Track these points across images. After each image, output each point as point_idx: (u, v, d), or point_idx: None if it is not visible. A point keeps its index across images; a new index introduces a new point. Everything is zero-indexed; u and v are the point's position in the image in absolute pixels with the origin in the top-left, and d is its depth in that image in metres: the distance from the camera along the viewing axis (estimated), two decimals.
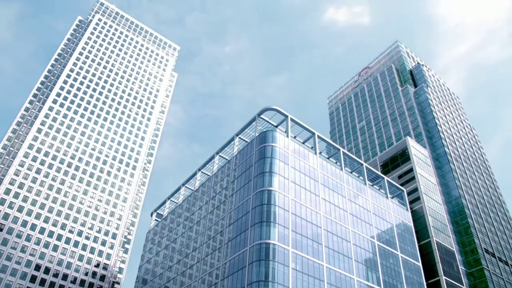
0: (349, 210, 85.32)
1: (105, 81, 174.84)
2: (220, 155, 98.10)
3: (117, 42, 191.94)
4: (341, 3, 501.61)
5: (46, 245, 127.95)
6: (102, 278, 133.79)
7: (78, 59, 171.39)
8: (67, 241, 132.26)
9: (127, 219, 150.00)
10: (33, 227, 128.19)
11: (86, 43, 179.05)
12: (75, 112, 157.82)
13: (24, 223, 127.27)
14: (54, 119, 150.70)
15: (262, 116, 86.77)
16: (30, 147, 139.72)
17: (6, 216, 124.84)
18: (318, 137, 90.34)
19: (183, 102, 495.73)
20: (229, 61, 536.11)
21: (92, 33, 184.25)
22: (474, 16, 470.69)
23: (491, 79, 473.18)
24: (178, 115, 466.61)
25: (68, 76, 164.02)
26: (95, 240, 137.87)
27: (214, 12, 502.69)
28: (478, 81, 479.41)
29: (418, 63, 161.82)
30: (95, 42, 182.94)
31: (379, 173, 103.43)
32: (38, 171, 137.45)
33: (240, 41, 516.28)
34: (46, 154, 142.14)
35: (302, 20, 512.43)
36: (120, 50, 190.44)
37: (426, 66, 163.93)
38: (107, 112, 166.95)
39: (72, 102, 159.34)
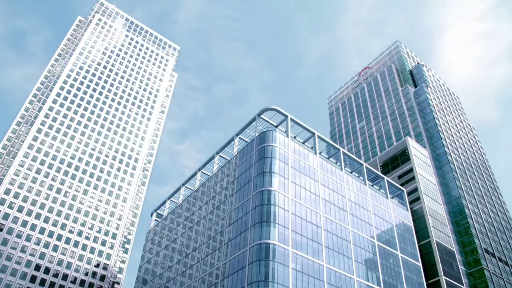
0: (349, 210, 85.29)
1: (105, 81, 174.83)
2: (220, 155, 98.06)
3: (117, 42, 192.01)
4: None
5: (46, 245, 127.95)
6: (102, 278, 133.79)
7: (78, 59, 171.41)
8: (67, 241, 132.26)
9: (127, 219, 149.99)
10: (33, 227, 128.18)
11: (86, 43, 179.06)
12: (75, 112, 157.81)
13: (24, 223, 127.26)
14: (54, 119, 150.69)
15: (262, 116, 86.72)
16: (30, 147, 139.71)
17: (6, 216, 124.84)
18: (318, 137, 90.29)
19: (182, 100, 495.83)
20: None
21: (92, 33, 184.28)
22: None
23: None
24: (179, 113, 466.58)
25: (68, 76, 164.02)
26: (95, 240, 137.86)
27: None
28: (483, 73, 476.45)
29: (418, 63, 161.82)
30: (95, 42, 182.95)
31: (379, 173, 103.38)
32: (38, 171, 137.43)
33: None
34: (46, 154, 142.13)
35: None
36: (120, 50, 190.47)
37: (426, 66, 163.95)
38: (107, 112, 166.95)
39: (72, 102, 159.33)
